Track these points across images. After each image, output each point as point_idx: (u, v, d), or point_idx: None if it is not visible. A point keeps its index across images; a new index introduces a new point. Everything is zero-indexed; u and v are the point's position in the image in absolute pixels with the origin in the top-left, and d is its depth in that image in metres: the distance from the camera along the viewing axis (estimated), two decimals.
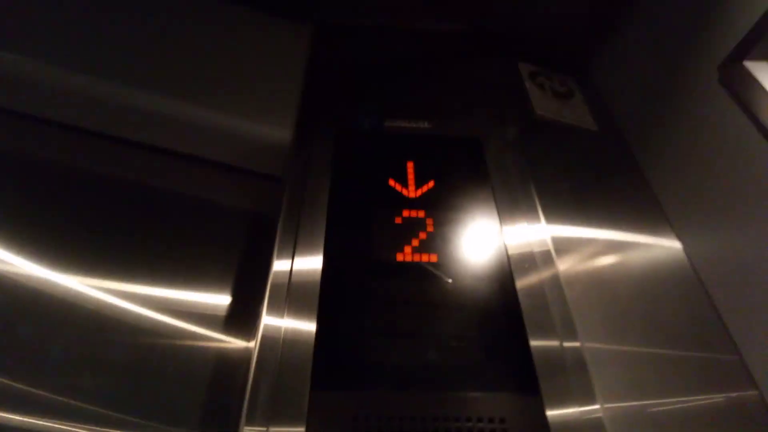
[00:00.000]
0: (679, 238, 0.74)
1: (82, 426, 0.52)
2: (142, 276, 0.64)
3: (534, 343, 0.59)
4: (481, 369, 0.58)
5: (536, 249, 0.69)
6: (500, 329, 0.62)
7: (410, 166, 0.77)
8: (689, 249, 0.72)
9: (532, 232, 0.71)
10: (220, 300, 0.64)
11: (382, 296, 0.64)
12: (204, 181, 0.78)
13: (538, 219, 0.72)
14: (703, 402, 0.58)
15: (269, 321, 0.59)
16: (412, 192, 0.75)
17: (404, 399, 0.55)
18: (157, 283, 0.64)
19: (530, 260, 0.67)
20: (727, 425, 0.57)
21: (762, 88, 0.62)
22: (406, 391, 0.56)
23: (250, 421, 0.51)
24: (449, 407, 0.54)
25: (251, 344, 0.58)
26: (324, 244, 0.66)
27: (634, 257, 0.72)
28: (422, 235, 0.69)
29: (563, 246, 0.70)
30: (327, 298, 0.61)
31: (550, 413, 0.54)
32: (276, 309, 0.60)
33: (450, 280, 0.65)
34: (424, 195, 0.75)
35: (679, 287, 0.69)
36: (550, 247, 0.69)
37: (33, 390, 0.53)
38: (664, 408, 0.57)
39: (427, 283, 0.65)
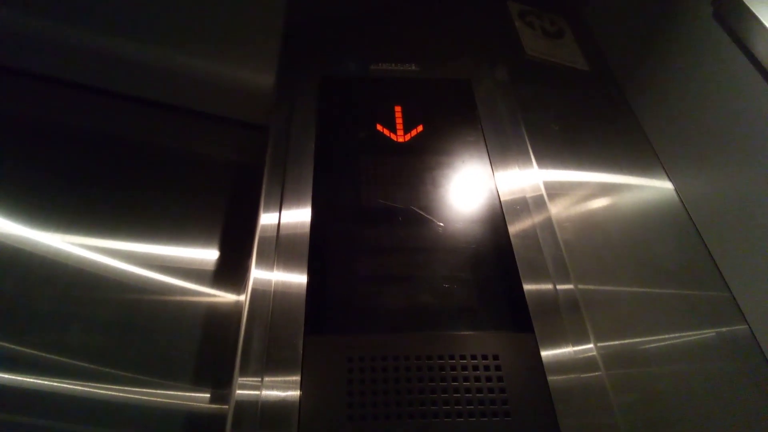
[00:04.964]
0: (671, 178, 0.74)
1: (72, 381, 0.51)
2: (126, 231, 0.63)
3: (527, 286, 0.59)
4: (473, 310, 0.58)
5: (528, 192, 0.68)
6: (493, 272, 0.61)
7: (398, 110, 0.76)
8: (680, 189, 0.72)
9: (524, 176, 0.70)
10: (207, 254, 0.63)
11: (373, 242, 0.63)
12: (186, 131, 0.76)
13: (529, 161, 0.72)
14: (694, 338, 0.59)
15: (259, 274, 0.58)
16: (400, 137, 0.73)
17: (397, 340, 0.55)
18: (142, 238, 0.63)
19: (522, 204, 0.67)
20: (718, 359, 0.58)
21: (758, 20, 0.60)
22: (399, 332, 0.56)
23: (244, 372, 0.51)
24: (442, 346, 0.54)
25: (241, 297, 0.58)
26: (312, 193, 0.65)
27: (626, 199, 0.72)
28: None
29: (555, 189, 0.70)
30: (317, 246, 0.61)
31: (544, 352, 0.54)
32: (265, 261, 0.59)
33: (442, 225, 0.64)
34: (413, 139, 0.73)
35: (671, 227, 0.69)
36: (542, 190, 0.69)
37: (18, 348, 0.52)
38: (657, 344, 0.58)
39: (419, 227, 0.64)
